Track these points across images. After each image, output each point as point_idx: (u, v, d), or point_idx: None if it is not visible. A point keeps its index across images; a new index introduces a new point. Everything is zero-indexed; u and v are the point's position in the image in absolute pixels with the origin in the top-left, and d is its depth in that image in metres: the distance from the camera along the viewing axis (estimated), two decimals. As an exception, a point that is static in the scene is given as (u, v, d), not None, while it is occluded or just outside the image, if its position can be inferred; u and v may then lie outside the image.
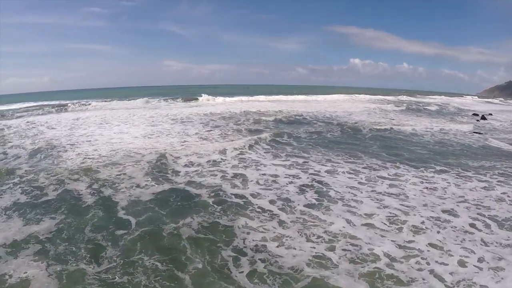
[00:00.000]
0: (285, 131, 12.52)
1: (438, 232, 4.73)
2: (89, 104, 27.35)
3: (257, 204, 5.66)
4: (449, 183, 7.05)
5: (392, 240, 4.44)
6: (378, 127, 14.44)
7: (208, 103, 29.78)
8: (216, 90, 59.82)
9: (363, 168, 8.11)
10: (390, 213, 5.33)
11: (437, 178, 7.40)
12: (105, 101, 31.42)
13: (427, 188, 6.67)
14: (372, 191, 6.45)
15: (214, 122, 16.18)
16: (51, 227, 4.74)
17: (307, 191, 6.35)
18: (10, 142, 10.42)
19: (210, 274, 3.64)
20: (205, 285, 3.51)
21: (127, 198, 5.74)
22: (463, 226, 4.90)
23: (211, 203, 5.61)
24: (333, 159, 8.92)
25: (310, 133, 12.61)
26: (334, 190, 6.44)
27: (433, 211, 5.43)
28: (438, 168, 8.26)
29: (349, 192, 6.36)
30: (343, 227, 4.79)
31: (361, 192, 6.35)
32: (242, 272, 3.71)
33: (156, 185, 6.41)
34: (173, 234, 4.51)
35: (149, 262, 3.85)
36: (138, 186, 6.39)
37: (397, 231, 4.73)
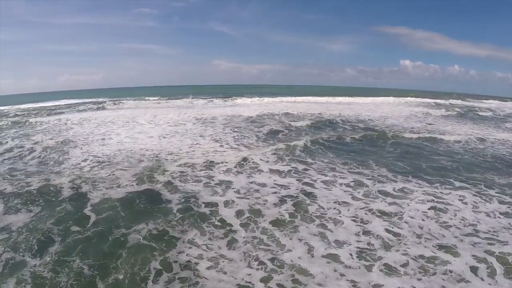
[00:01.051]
0: (303, 137, 12.03)
1: (420, 278, 3.83)
2: (123, 102, 29.88)
3: (221, 216, 5.49)
4: (464, 203, 5.99)
5: (352, 282, 3.80)
6: (408, 133, 13.36)
7: (244, 104, 30.20)
8: (261, 90, 62.11)
9: (367, 179, 7.33)
10: (368, 243, 4.61)
11: (451, 196, 6.34)
12: (146, 99, 34.17)
13: (434, 209, 5.71)
14: (363, 209, 5.77)
15: (236, 124, 16.26)
16: (26, 218, 5.26)
17: (285, 204, 5.96)
18: (32, 137, 11.94)
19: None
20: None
21: (101, 196, 6.06)
22: (459, 273, 3.93)
23: (174, 211, 5.61)
24: (338, 168, 8.26)
25: (328, 137, 11.87)
26: (319, 205, 5.93)
27: (425, 246, 4.53)
28: (457, 184, 7.14)
29: (334, 209, 5.79)
30: (299, 257, 4.27)
31: (348, 210, 5.71)
32: (155, 290, 3.60)
33: (134, 186, 6.66)
34: (118, 239, 4.62)
35: (78, 265, 3.99)
36: (118, 186, 6.72)
37: (364, 270, 4.01)
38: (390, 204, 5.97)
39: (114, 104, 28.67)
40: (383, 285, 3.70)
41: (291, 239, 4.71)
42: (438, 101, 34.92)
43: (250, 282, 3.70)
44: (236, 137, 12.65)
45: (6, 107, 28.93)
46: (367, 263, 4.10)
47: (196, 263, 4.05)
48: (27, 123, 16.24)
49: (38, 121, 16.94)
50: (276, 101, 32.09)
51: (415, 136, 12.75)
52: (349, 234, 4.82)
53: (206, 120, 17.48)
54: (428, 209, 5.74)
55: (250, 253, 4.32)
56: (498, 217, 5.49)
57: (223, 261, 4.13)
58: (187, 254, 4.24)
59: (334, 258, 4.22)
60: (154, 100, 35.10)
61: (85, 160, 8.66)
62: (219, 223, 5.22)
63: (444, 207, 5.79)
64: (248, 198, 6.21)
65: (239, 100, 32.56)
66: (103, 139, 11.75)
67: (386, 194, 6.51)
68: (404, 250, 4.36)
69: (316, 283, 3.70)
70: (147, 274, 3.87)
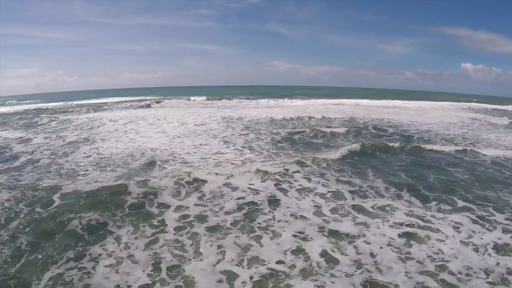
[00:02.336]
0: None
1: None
2: (168, 101, 32.50)
3: (164, 217, 5.73)
4: (457, 231, 5.09)
5: None
6: (439, 140, 12.58)
7: (288, 105, 30.23)
8: (316, 91, 62.57)
9: (349, 191, 6.80)
10: (287, 265, 4.16)
11: (444, 221, 5.46)
12: (191, 99, 36.67)
13: (406, 236, 4.96)
14: (318, 225, 5.36)
15: (258, 126, 16.41)
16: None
17: (239, 212, 5.91)
18: (60, 133, 13.91)
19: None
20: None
21: (75, 187, 6.86)
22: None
23: (126, 205, 6.04)
24: (328, 174, 7.82)
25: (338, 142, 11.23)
26: (272, 216, 5.75)
27: (352, 283, 3.85)
28: (459, 204, 6.17)
29: (285, 221, 5.54)
30: (201, 268, 4.16)
31: (298, 225, 5.38)
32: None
33: (109, 181, 7.36)
34: (62, 223, 5.25)
35: (22, 240, 4.69)
36: (96, 181, 7.51)
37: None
38: (356, 224, 5.42)
39: (157, 102, 31.52)
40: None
41: (211, 246, 4.69)
42: (498, 106, 31.66)
43: (129, 286, 3.84)
44: (249, 139, 12.73)
45: (60, 103, 34.30)
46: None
47: (103, 258, 4.37)
48: (66, 120, 19.01)
49: (78, 117, 19.75)
50: (324, 102, 31.62)
51: (440, 145, 11.59)
52: (275, 252, 4.54)
53: (231, 120, 18.05)
54: (399, 235, 5.03)
55: (158, 257, 4.44)
56: (488, 253, 4.52)
57: (127, 262, 4.34)
58: (103, 248, 4.59)
59: (230, 277, 4.03)
60: (202, 99, 37.50)
61: (87, 157, 9.83)
62: (158, 223, 5.47)
63: (424, 235, 4.97)
64: (207, 205, 6.30)
65: (288, 102, 32.87)
66: (120, 137, 13.11)
67: (360, 210, 5.93)
68: (321, 282, 3.92)
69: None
70: (59, 259, 4.33)
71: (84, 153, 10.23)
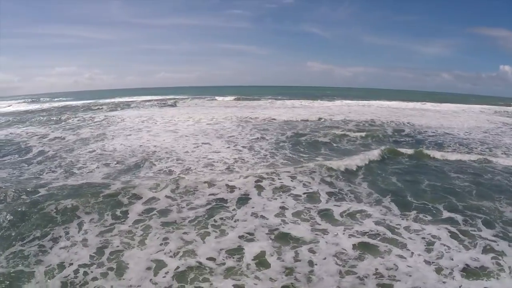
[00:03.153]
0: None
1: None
2: (193, 100, 33.84)
3: (123, 210, 6.19)
4: (428, 246, 4.75)
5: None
6: (445, 147, 11.69)
7: (310, 105, 29.98)
8: (349, 93, 62.28)
9: (327, 193, 6.79)
10: (193, 267, 4.22)
11: (420, 232, 5.18)
12: (217, 99, 37.80)
13: (363, 247, 4.77)
14: (269, 227, 5.42)
15: (269, 126, 16.56)
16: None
17: (205, 207, 6.18)
18: (77, 130, 15.24)
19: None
20: None
21: (64, 181, 7.64)
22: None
23: (100, 195, 6.59)
24: (311, 174, 7.81)
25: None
26: (231, 214, 5.94)
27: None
28: (444, 214, 5.83)
29: (235, 221, 5.68)
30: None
31: (248, 227, 5.45)
32: None
33: (97, 176, 8.05)
34: (41, 207, 5.90)
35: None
36: (87, 172, 8.26)
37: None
38: (313, 229, 5.32)
39: (183, 102, 33.03)
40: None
41: (157, 238, 5.01)
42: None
43: (71, 264, 4.30)
44: (253, 139, 12.92)
45: (90, 101, 37.15)
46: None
47: (62, 240, 4.93)
48: (88, 117, 20.68)
49: (100, 115, 21.45)
50: (352, 104, 31.11)
51: (450, 150, 11.04)
52: (212, 249, 4.58)
53: (245, 120, 18.47)
54: (355, 246, 4.77)
55: (106, 243, 4.86)
56: (453, 276, 4.06)
57: (79, 244, 4.82)
58: (65, 231, 5.18)
59: (158, 265, 4.28)
60: (230, 99, 38.55)
61: (91, 152, 10.74)
62: (120, 214, 5.92)
63: (385, 248, 4.65)
64: (176, 200, 6.65)
65: (316, 103, 32.58)
66: (131, 134, 14.07)
67: (326, 216, 5.83)
68: (241, 283, 3.97)
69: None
70: (27, 236, 5.00)
71: (90, 149, 11.17)
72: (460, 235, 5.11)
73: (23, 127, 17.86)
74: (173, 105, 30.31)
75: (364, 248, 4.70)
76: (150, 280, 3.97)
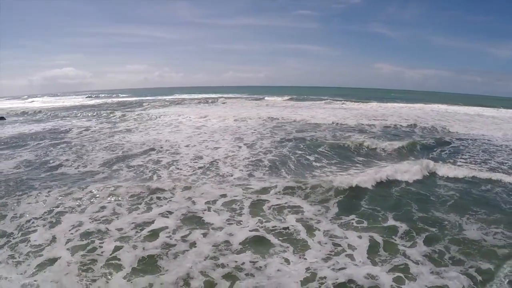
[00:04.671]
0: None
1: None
2: (237, 99, 35.36)
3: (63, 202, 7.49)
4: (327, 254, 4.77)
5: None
6: (455, 156, 10.85)
7: (356, 107, 29.07)
8: (414, 95, 63.13)
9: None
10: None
11: (336, 237, 5.32)
12: (265, 99, 38.85)
13: (256, 240, 5.20)
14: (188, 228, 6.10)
15: (286, 126, 16.93)
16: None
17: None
18: (116, 123, 17.72)
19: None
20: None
21: (59, 162, 9.46)
22: None
23: (69, 181, 8.09)
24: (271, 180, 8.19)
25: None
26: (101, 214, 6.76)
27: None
28: (388, 222, 5.73)
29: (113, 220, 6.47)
30: None
31: (111, 223, 6.23)
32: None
33: (98, 163, 9.70)
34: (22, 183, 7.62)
35: None
36: (94, 155, 9.99)
37: None
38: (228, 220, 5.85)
39: (229, 99, 35.00)
40: None
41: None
42: None
43: None
44: (256, 138, 13.47)
45: (148, 98, 41.27)
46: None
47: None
48: (133, 113, 23.56)
49: (143, 112, 24.20)
50: (403, 107, 29.46)
51: (461, 160, 10.12)
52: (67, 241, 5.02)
53: (269, 120, 19.05)
54: (250, 238, 5.10)
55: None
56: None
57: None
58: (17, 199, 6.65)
59: None
60: (281, 99, 39.46)
61: (109, 142, 12.68)
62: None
63: (279, 247, 5.07)
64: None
65: (368, 105, 31.39)
66: (155, 129, 15.99)
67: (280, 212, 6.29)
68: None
69: None
70: None
71: (110, 140, 13.15)
72: (427, 259, 4.69)
73: (73, 119, 21.41)
74: (216, 103, 32.30)
75: (255, 242, 4.94)
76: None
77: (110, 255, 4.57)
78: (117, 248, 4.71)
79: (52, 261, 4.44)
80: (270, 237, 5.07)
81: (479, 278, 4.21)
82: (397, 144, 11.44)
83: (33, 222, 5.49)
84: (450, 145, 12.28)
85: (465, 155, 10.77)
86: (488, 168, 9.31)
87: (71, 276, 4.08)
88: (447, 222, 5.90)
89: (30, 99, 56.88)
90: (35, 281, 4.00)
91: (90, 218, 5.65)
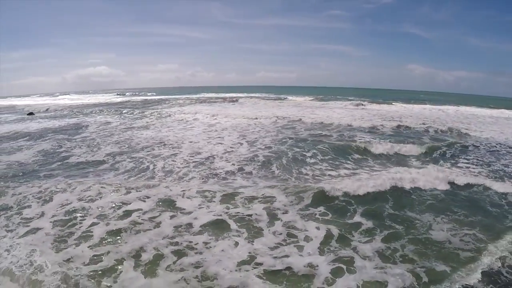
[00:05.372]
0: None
1: None
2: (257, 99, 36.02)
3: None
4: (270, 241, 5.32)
5: None
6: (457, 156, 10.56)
7: (375, 108, 28.64)
8: (446, 97, 63.72)
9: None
10: None
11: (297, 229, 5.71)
12: (287, 99, 39.21)
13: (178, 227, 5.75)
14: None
15: (295, 124, 17.25)
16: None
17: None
18: (135, 120, 18.97)
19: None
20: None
21: (65, 152, 10.55)
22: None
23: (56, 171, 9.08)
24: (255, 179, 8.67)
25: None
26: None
27: None
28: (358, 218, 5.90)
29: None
30: None
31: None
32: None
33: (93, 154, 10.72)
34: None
35: None
36: (104, 149, 11.04)
37: None
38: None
39: (246, 100, 35.76)
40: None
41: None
42: None
43: None
44: (257, 137, 13.95)
45: (176, 96, 42.94)
46: None
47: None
48: (153, 110, 24.91)
49: (163, 110, 25.53)
50: (429, 108, 28.78)
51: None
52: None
53: (281, 118, 19.45)
54: (211, 222, 5.64)
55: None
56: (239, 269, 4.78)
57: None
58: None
59: None
60: (304, 99, 39.69)
61: (120, 137, 13.79)
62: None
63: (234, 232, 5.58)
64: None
65: (393, 107, 30.84)
66: (169, 126, 16.98)
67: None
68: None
69: None
70: None
71: (122, 136, 14.26)
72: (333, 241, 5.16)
73: (97, 116, 23.11)
74: (238, 102, 33.21)
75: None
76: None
77: (86, 229, 5.30)
78: (93, 224, 5.46)
79: (36, 230, 5.25)
80: (231, 222, 5.56)
81: (425, 279, 4.28)
82: (397, 146, 11.40)
83: (29, 199, 6.40)
84: (453, 148, 11.91)
85: (463, 158, 10.53)
86: (479, 172, 9.08)
87: (47, 243, 4.84)
88: (418, 222, 6.00)
89: (60, 96, 61.68)
90: (18, 244, 4.80)
91: (77, 199, 6.45)
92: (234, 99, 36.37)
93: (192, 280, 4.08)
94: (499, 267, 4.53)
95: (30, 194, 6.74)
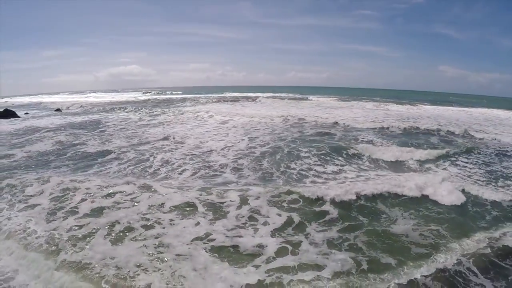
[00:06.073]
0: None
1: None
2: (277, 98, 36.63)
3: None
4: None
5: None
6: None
7: (393, 109, 28.26)
8: (478, 100, 60.16)
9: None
10: None
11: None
12: (309, 99, 39.42)
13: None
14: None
15: (306, 124, 17.66)
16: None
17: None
18: (153, 115, 20.31)
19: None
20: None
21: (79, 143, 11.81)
22: None
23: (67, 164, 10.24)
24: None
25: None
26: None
27: None
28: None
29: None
30: None
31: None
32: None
33: (103, 146, 11.90)
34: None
35: None
36: (114, 141, 12.25)
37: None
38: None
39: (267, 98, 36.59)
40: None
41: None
42: None
43: None
44: (260, 135, 14.62)
45: (196, 95, 44.41)
46: None
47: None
48: (173, 107, 26.30)
49: (181, 108, 26.85)
50: (451, 110, 28.07)
51: None
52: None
53: (295, 118, 19.91)
54: (182, 204, 6.40)
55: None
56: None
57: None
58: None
59: None
60: (328, 99, 39.90)
61: (133, 132, 15.05)
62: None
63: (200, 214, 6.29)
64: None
65: (422, 107, 30.35)
66: (183, 123, 18.13)
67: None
68: None
69: None
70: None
71: (135, 131, 15.52)
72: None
73: (119, 113, 24.86)
74: (257, 102, 34.11)
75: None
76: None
77: (74, 205, 6.29)
78: (81, 200, 6.44)
79: (34, 206, 6.32)
80: (199, 205, 6.28)
81: (365, 267, 4.55)
82: (395, 149, 11.29)
83: (30, 181, 7.55)
84: (453, 150, 11.33)
85: (460, 162, 10.25)
86: (469, 176, 8.90)
87: (41, 215, 5.87)
88: (385, 216, 6.27)
89: (89, 94, 66.30)
90: (16, 216, 5.87)
91: (71, 180, 7.52)
92: (253, 98, 37.28)
93: (149, 248, 4.85)
94: (453, 265, 4.59)
95: (32, 176, 7.91)
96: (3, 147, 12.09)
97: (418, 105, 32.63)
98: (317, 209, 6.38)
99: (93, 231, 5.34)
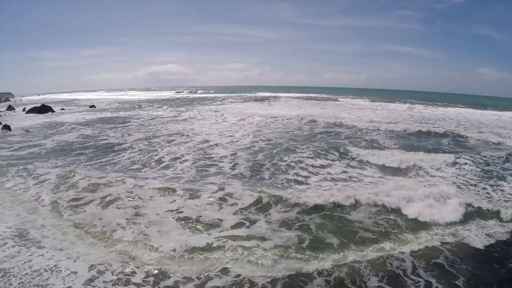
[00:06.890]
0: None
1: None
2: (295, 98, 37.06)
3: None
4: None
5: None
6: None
7: (414, 111, 27.67)
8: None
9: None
10: None
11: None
12: (339, 99, 39.44)
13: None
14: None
15: (313, 124, 18.19)
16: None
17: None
18: (172, 111, 21.99)
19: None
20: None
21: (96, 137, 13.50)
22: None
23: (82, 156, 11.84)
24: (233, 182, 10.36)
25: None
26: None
27: None
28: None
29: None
30: None
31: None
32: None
33: (119, 139, 13.50)
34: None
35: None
36: (132, 135, 13.87)
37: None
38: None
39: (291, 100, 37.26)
40: None
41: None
42: None
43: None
44: (267, 132, 15.39)
45: (226, 94, 46.00)
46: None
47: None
48: (199, 107, 27.99)
49: (207, 107, 28.47)
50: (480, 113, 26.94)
51: None
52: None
53: (310, 118, 20.46)
54: (163, 188, 7.67)
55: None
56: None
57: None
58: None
59: None
60: (355, 100, 39.79)
61: (152, 128, 16.67)
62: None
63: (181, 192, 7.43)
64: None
65: (449, 110, 29.53)
66: (202, 119, 19.66)
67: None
68: None
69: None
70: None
71: (154, 127, 17.07)
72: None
73: (150, 110, 27.06)
74: (269, 100, 35.40)
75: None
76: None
77: (73, 182, 7.76)
78: (80, 178, 7.88)
79: (44, 181, 7.88)
80: (178, 189, 7.36)
81: (306, 243, 5.16)
82: (388, 153, 11.13)
83: (41, 166, 9.18)
84: (453, 154, 10.64)
85: (458, 165, 9.75)
86: (454, 182, 8.50)
87: (48, 186, 7.41)
88: (349, 205, 6.66)
89: (126, 92, 71.38)
90: (29, 187, 7.46)
91: (74, 164, 9.10)
92: (282, 99, 38.17)
93: (127, 214, 6.07)
94: (400, 253, 4.85)
95: (46, 161, 9.69)
96: (37, 138, 14.16)
97: (449, 107, 31.51)
98: (289, 190, 7.16)
99: (88, 201, 6.85)
